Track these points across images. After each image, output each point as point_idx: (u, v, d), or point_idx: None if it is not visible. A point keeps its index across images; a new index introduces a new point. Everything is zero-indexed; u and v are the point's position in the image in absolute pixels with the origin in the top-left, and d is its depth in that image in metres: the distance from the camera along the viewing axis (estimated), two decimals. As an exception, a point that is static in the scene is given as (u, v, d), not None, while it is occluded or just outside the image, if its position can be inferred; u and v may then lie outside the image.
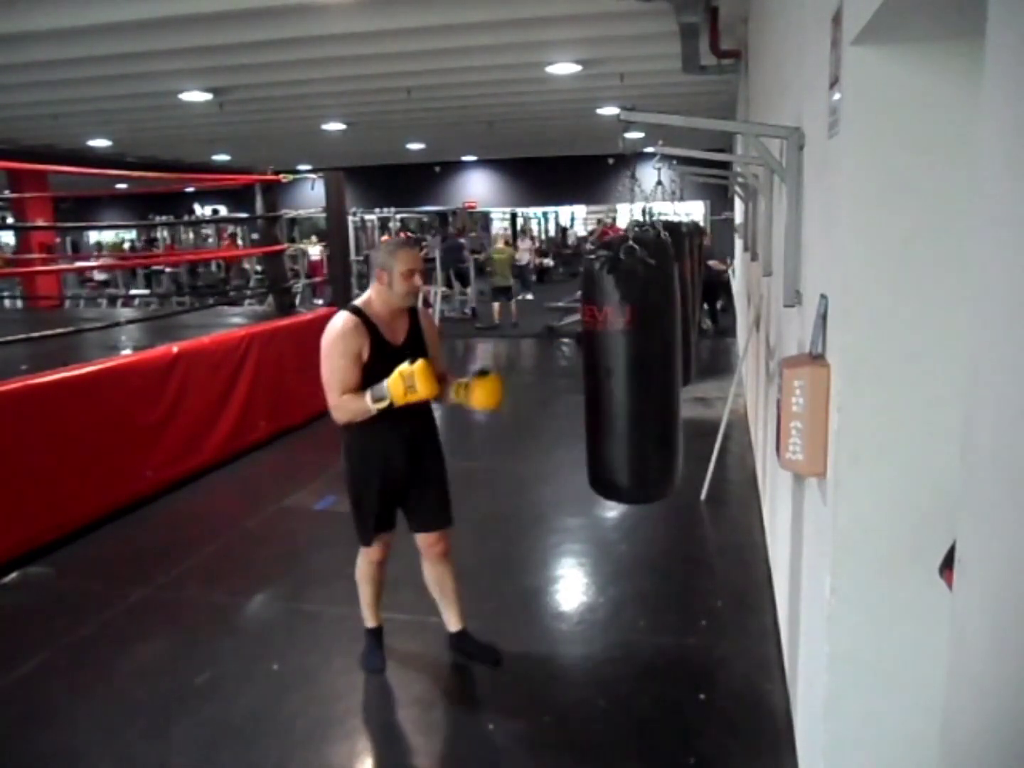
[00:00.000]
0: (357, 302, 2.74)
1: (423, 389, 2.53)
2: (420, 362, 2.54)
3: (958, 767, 0.88)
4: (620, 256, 2.44)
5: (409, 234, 16.04)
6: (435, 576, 2.97)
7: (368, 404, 2.56)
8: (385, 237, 15.64)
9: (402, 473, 2.79)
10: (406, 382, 2.52)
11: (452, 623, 3.03)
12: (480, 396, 2.69)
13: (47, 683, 2.97)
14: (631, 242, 2.41)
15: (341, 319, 2.66)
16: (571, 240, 22.78)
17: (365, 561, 2.91)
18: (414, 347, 2.74)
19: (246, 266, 15.74)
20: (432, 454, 2.88)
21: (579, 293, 2.63)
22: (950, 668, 0.89)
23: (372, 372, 2.62)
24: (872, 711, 1.77)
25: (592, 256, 2.55)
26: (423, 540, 2.91)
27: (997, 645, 0.75)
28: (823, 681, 1.83)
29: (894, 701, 1.73)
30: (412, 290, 2.68)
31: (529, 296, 15.02)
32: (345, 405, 2.61)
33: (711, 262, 10.50)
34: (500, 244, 13.30)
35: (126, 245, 22.26)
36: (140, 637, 3.31)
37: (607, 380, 2.52)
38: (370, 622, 3.01)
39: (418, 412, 2.74)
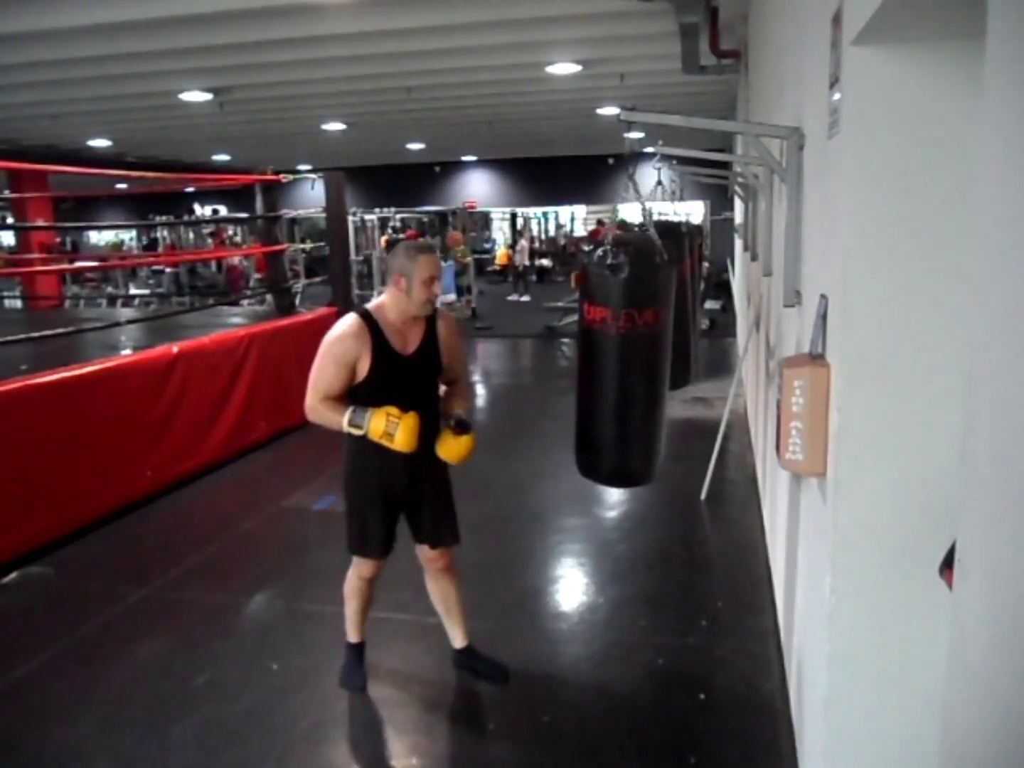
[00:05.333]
0: (370, 305, 2.62)
1: (400, 442, 2.43)
2: (411, 415, 2.45)
3: (958, 767, 0.88)
4: (618, 255, 2.45)
5: (415, 233, 15.69)
6: (438, 590, 2.87)
7: (343, 424, 2.47)
8: (385, 237, 15.65)
9: (403, 488, 2.67)
10: (388, 427, 2.43)
11: (457, 639, 2.91)
12: (444, 451, 2.59)
13: (47, 683, 2.97)
14: (626, 242, 2.42)
15: (346, 323, 2.55)
16: (560, 241, 22.74)
17: (356, 576, 2.80)
18: (425, 357, 2.62)
19: (239, 263, 15.76)
20: (435, 471, 2.71)
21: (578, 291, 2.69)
22: (950, 668, 0.89)
23: (376, 381, 2.52)
24: (872, 711, 1.77)
25: (591, 255, 2.56)
26: (423, 553, 2.81)
27: (997, 645, 0.75)
28: (823, 681, 1.83)
29: (894, 701, 1.73)
30: (431, 298, 2.55)
31: (525, 298, 15.03)
32: (321, 411, 2.53)
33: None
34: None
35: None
36: (140, 637, 3.31)
37: (600, 372, 2.56)
38: (353, 637, 2.89)
39: (423, 427, 2.55)
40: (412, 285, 2.51)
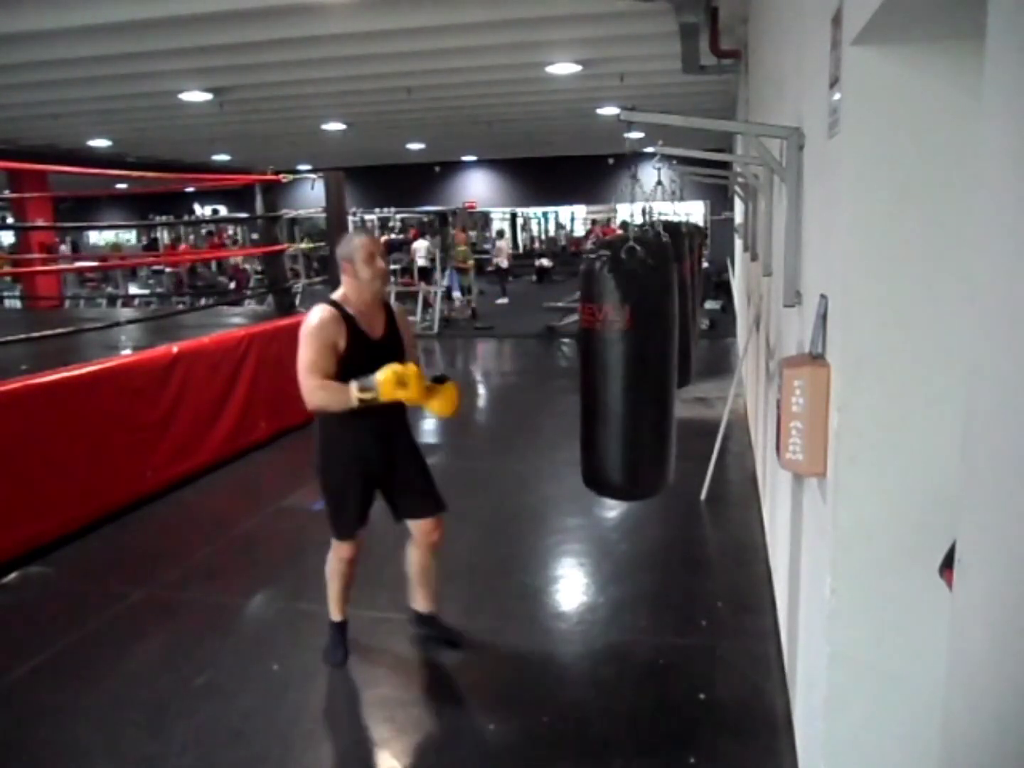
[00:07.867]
0: (333, 296, 2.75)
1: (413, 391, 2.55)
2: (412, 366, 2.58)
3: (958, 767, 0.88)
4: (621, 256, 2.45)
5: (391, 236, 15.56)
6: (420, 560, 2.98)
7: (353, 393, 2.54)
8: (386, 237, 15.64)
9: (379, 466, 2.82)
10: (398, 380, 2.53)
11: (422, 604, 3.05)
12: (437, 404, 2.69)
13: (47, 683, 2.97)
14: (631, 242, 2.42)
15: (319, 311, 2.67)
16: (560, 241, 22.81)
17: (337, 558, 2.91)
18: (391, 341, 2.78)
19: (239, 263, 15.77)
20: (407, 445, 2.91)
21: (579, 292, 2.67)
22: (950, 668, 0.89)
23: (351, 364, 2.62)
24: (872, 711, 1.77)
25: (592, 255, 2.56)
26: (418, 528, 2.92)
27: (997, 645, 0.76)
28: (823, 681, 1.83)
29: (894, 701, 1.73)
30: (378, 273, 2.69)
31: (503, 300, 14.91)
32: (324, 389, 2.59)
33: None
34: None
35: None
36: (140, 637, 3.31)
37: (604, 378, 2.53)
38: (337, 616, 3.00)
39: (391, 406, 2.66)
40: (357, 266, 2.67)
